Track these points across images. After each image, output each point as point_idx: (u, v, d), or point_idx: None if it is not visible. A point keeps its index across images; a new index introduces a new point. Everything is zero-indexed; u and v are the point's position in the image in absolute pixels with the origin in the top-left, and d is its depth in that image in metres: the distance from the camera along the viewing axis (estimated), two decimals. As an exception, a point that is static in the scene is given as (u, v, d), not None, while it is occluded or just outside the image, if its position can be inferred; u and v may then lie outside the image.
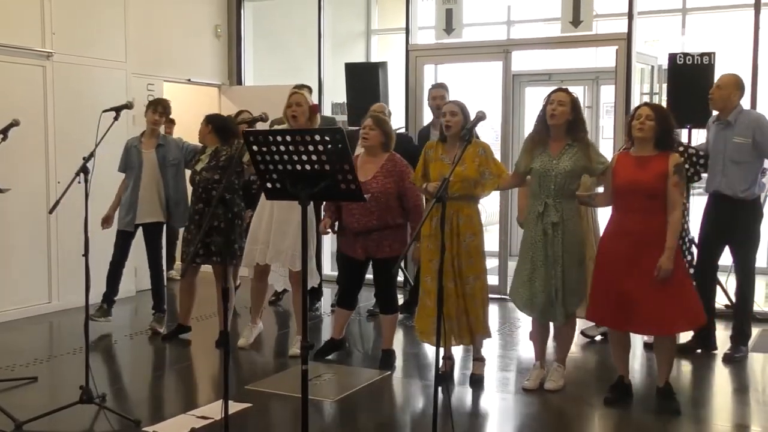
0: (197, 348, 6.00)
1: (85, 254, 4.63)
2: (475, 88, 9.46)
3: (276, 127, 5.63)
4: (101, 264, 6.13)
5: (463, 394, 4.84)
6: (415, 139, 6.98)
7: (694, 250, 5.63)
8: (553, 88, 4.78)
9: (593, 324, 6.03)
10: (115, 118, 4.97)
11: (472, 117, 4.29)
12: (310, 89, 5.55)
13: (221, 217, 5.59)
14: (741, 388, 5.10)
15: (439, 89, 6.59)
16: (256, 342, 5.88)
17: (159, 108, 6.13)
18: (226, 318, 4.02)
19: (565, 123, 4.58)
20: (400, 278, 7.71)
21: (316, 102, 8.54)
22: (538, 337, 4.91)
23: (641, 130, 4.32)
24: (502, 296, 6.88)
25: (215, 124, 5.82)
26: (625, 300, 4.30)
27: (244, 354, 5.70)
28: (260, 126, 4.80)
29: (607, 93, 9.40)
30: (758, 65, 6.73)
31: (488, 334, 5.01)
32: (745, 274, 5.44)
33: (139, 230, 6.17)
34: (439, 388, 3.58)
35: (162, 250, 6.33)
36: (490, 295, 5.08)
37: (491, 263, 6.01)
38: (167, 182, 6.11)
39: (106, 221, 6.10)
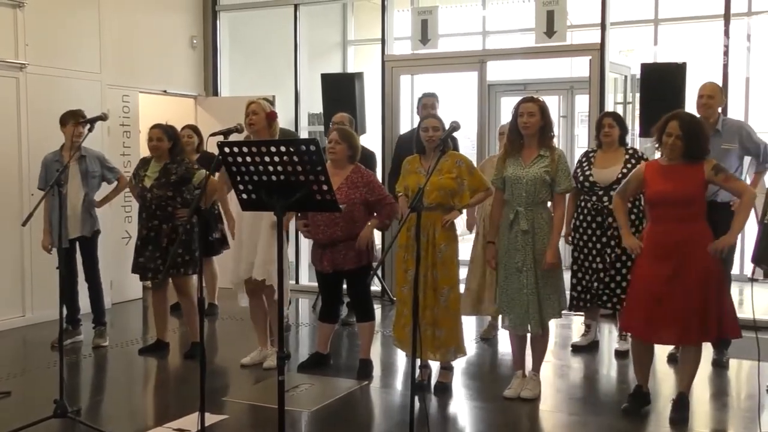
0: (174, 360, 5.96)
1: (60, 267, 4.61)
2: (451, 98, 9.51)
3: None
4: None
5: (440, 403, 4.85)
6: (394, 143, 7.02)
7: None
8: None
9: (583, 335, 6.11)
10: (90, 130, 4.95)
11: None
12: (269, 100, 5.54)
13: (183, 226, 5.58)
14: (720, 393, 5.15)
15: (431, 98, 6.64)
16: (234, 353, 5.83)
17: (80, 120, 5.81)
18: (202, 329, 4.00)
19: (537, 132, 4.65)
20: (377, 288, 7.74)
21: (284, 110, 8.62)
22: (517, 346, 4.93)
23: (672, 149, 4.26)
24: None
25: (174, 140, 5.73)
26: (663, 311, 4.24)
27: (221, 366, 5.67)
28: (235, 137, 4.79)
29: (582, 102, 9.51)
30: (728, 74, 6.84)
31: (463, 351, 5.03)
32: (727, 277, 5.51)
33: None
34: (416, 398, 3.58)
35: (98, 262, 6.22)
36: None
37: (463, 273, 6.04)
38: (89, 194, 6.04)
39: (46, 247, 6.04)
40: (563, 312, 4.89)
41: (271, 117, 5.35)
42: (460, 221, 5.40)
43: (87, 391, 5.30)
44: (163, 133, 5.70)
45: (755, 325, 4.22)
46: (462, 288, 5.54)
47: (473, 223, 6.24)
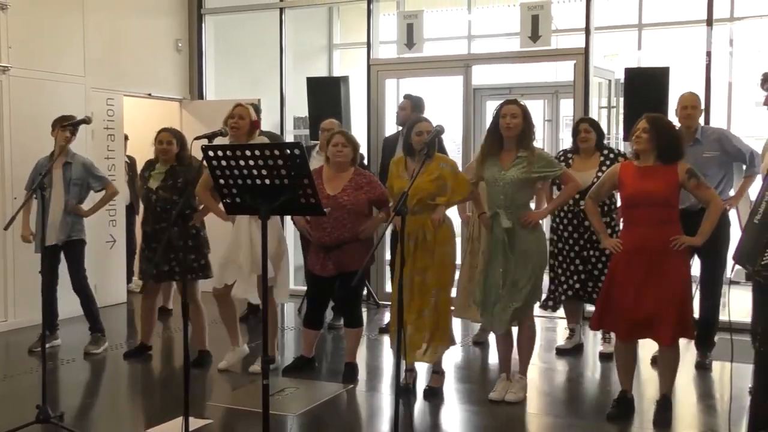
0: (158, 365, 5.93)
1: (42, 271, 4.58)
2: (436, 101, 9.52)
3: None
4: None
5: (426, 407, 4.86)
6: (379, 147, 7.03)
7: None
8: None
9: (567, 338, 6.13)
10: (72, 134, 4.92)
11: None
12: (257, 108, 5.53)
13: (188, 233, 5.56)
14: (703, 395, 5.19)
15: (407, 101, 6.68)
16: (220, 358, 5.80)
17: (63, 124, 5.72)
18: (185, 334, 3.99)
19: (518, 134, 4.66)
20: (363, 291, 7.73)
21: (283, 118, 8.61)
22: (502, 348, 4.95)
23: (638, 143, 4.36)
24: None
25: (183, 143, 5.70)
26: (640, 311, 4.31)
27: (206, 370, 5.64)
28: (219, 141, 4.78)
29: (567, 106, 9.56)
30: (711, 79, 6.89)
31: (452, 341, 5.04)
32: (715, 283, 5.55)
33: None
34: (401, 401, 3.58)
35: (84, 268, 6.15)
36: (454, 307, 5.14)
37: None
38: (69, 200, 5.96)
39: (26, 237, 5.99)
40: (547, 315, 4.92)
41: (255, 126, 5.35)
42: (455, 218, 5.42)
43: (70, 396, 5.26)
44: (172, 137, 5.70)
45: (730, 327, 4.27)
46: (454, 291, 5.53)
47: (465, 217, 6.20)
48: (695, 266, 5.61)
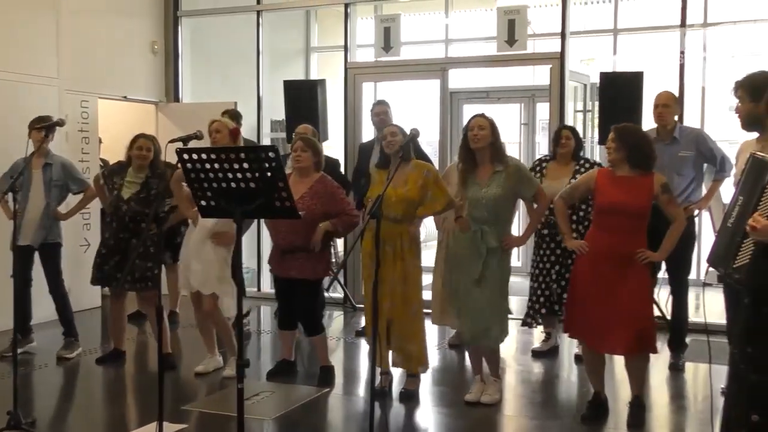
0: (131, 369, 5.89)
1: (14, 274, 4.53)
2: (414, 105, 9.56)
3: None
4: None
5: (401, 410, 4.85)
6: (356, 153, 7.04)
7: None
8: (491, 103, 4.88)
9: (543, 341, 6.16)
10: (45, 136, 4.87)
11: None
12: (232, 114, 5.51)
13: (152, 239, 5.53)
14: (676, 396, 5.23)
15: (382, 105, 6.66)
16: (195, 362, 5.76)
17: (36, 126, 5.68)
18: (160, 339, 3.96)
19: (488, 147, 4.65)
20: (340, 294, 7.72)
21: (258, 123, 8.58)
22: (473, 351, 4.97)
23: (609, 154, 4.42)
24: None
25: (158, 150, 5.60)
26: (603, 322, 4.33)
27: (181, 375, 5.60)
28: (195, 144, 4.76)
29: (543, 110, 9.61)
30: (684, 83, 6.97)
31: (425, 362, 5.08)
32: (681, 285, 5.61)
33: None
34: (376, 404, 3.58)
35: (60, 271, 6.08)
36: (428, 310, 5.16)
37: (427, 279, 6.06)
38: (50, 202, 5.91)
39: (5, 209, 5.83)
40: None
41: (235, 134, 5.39)
42: (424, 227, 5.42)
43: (42, 401, 5.19)
44: (151, 143, 5.63)
45: (707, 329, 4.33)
46: (425, 294, 5.54)
47: (440, 224, 6.21)
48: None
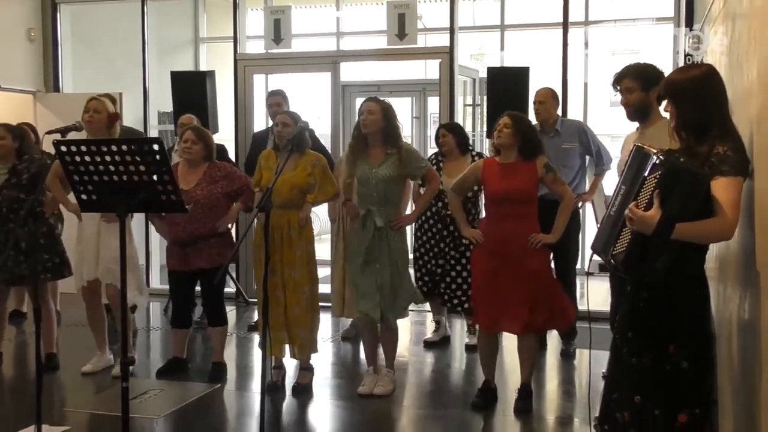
0: (9, 371, 5.61)
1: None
2: (306, 98, 9.51)
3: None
4: None
5: (294, 404, 4.84)
6: (247, 143, 6.95)
7: None
8: (383, 97, 4.92)
9: (434, 331, 6.25)
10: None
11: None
12: (113, 99, 5.30)
13: (39, 231, 5.26)
14: (565, 381, 5.42)
15: (276, 96, 6.58)
16: (78, 362, 5.54)
17: None
18: (38, 336, 3.80)
19: (380, 131, 4.69)
20: (232, 289, 7.61)
21: (147, 111, 8.33)
22: (368, 342, 4.99)
23: (499, 137, 4.50)
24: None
25: (22, 137, 5.35)
26: (500, 301, 4.45)
27: (64, 375, 5.38)
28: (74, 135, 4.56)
29: (434, 104, 9.73)
30: (567, 78, 7.22)
31: (315, 349, 5.08)
32: (568, 273, 5.80)
33: None
34: (269, 399, 3.55)
35: None
36: (323, 303, 5.14)
37: (324, 272, 6.05)
38: None
39: None
40: (416, 309, 5.00)
41: (113, 119, 5.13)
42: (317, 219, 5.39)
43: None
44: (7, 132, 5.31)
45: (589, 316, 4.52)
46: (323, 287, 5.52)
47: (334, 215, 6.20)
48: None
